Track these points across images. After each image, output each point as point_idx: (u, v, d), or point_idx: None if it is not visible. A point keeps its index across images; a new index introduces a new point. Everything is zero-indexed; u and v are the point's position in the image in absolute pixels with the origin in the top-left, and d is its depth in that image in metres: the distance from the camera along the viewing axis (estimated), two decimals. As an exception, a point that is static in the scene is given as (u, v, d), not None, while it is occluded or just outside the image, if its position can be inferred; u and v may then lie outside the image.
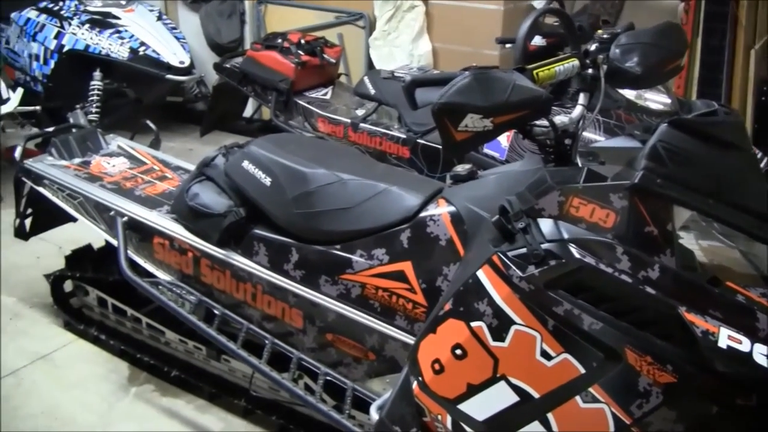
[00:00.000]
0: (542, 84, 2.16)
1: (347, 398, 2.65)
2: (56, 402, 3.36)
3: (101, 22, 5.96)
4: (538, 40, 4.01)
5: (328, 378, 2.74)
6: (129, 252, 3.19)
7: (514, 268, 1.90)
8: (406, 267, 2.43)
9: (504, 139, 3.84)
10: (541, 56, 2.41)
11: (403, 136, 4.38)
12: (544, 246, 1.88)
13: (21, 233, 3.83)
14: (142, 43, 5.85)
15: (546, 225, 1.92)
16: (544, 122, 2.19)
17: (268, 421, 3.18)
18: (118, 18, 6.03)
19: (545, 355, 1.87)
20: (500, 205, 1.98)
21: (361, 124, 4.60)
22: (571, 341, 1.84)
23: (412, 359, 2.15)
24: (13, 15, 6.28)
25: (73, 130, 3.85)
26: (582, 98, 2.38)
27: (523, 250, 1.90)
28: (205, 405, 3.34)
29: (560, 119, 2.24)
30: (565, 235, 1.88)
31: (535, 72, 2.14)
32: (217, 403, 3.34)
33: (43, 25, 6.05)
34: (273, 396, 3.15)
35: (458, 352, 2.01)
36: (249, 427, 3.23)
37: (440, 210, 2.37)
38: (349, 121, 4.67)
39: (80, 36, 5.88)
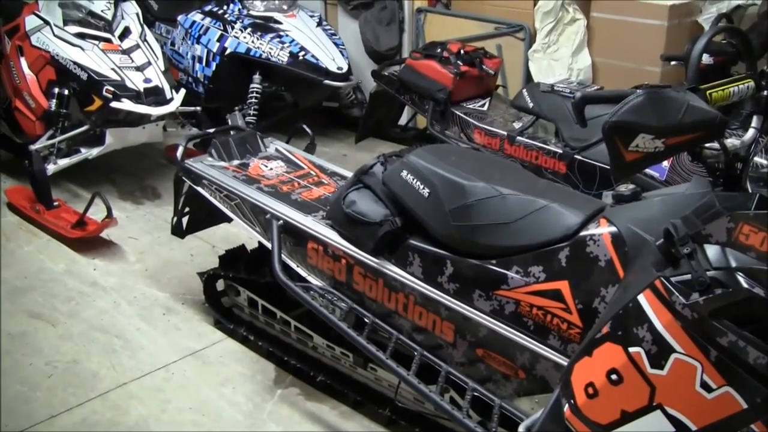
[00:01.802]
0: (715, 105, 2.09)
1: (494, 415, 2.62)
2: (205, 398, 3.43)
3: (263, 26, 6.07)
4: (705, 58, 3.89)
5: (476, 394, 2.71)
6: (282, 255, 3.22)
7: (677, 294, 1.83)
8: (563, 286, 2.38)
9: (665, 159, 3.75)
10: (708, 75, 2.34)
11: (560, 151, 4.33)
12: (710, 273, 1.80)
13: (178, 231, 3.94)
14: (302, 48, 5.92)
15: (713, 252, 1.84)
16: (715, 145, 2.12)
17: (412, 432, 3.18)
18: (279, 23, 6.12)
19: (705, 386, 1.80)
20: (665, 228, 1.91)
21: (518, 137, 4.56)
22: (735, 374, 1.76)
23: (565, 381, 2.10)
24: (179, 18, 6.45)
25: (232, 132, 3.92)
26: (755, 121, 2.29)
27: (688, 276, 1.83)
28: (349, 412, 3.36)
29: (731, 142, 2.17)
30: (733, 264, 1.80)
31: (708, 92, 2.08)
32: (361, 410, 3.35)
33: (207, 28, 6.20)
34: (418, 407, 3.13)
35: (614, 377, 1.95)
36: (392, 437, 3.23)
37: (601, 230, 2.31)
38: (505, 133, 4.64)
39: (242, 39, 6.00)
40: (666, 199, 2.27)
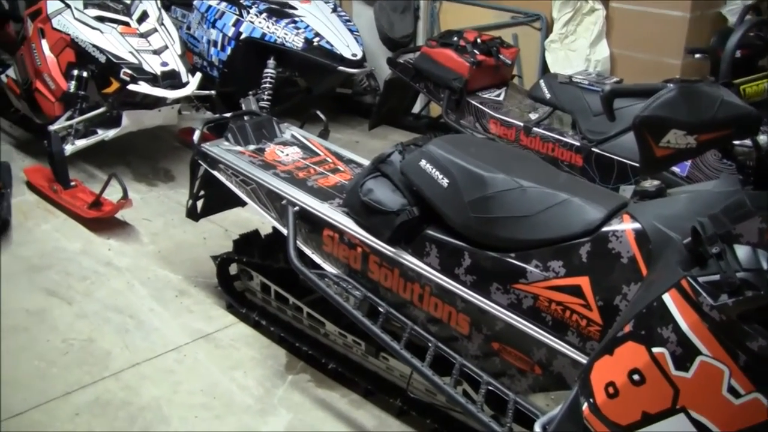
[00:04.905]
0: (748, 100, 2.04)
1: (508, 410, 2.58)
2: (215, 381, 3.43)
3: (278, 11, 6.03)
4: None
5: (490, 388, 2.67)
6: (297, 242, 3.19)
7: (704, 295, 1.78)
8: (584, 282, 2.34)
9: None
10: (735, 68, 2.29)
11: (577, 143, 4.28)
12: (740, 275, 1.74)
13: (192, 214, 3.93)
14: (317, 34, 5.87)
15: (743, 252, 1.78)
16: (746, 141, 2.07)
17: (423, 423, 3.14)
18: (294, 8, 6.08)
19: (733, 391, 1.76)
20: (692, 226, 1.86)
21: (534, 129, 4.51)
22: (765, 380, 1.72)
23: (584, 379, 2.06)
24: (195, 2, 6.44)
25: (248, 117, 3.89)
26: (789, 117, 2.24)
27: (716, 276, 1.77)
28: (359, 400, 3.34)
29: (764, 139, 2.12)
30: (765, 265, 1.75)
31: (742, 87, 2.03)
32: (371, 400, 3.33)
33: (223, 13, 6.16)
34: (429, 399, 3.10)
35: (636, 377, 1.91)
36: (403, 428, 3.20)
37: (624, 226, 2.26)
38: (521, 124, 4.59)
39: (257, 24, 5.96)
40: (692, 197, 2.22)
